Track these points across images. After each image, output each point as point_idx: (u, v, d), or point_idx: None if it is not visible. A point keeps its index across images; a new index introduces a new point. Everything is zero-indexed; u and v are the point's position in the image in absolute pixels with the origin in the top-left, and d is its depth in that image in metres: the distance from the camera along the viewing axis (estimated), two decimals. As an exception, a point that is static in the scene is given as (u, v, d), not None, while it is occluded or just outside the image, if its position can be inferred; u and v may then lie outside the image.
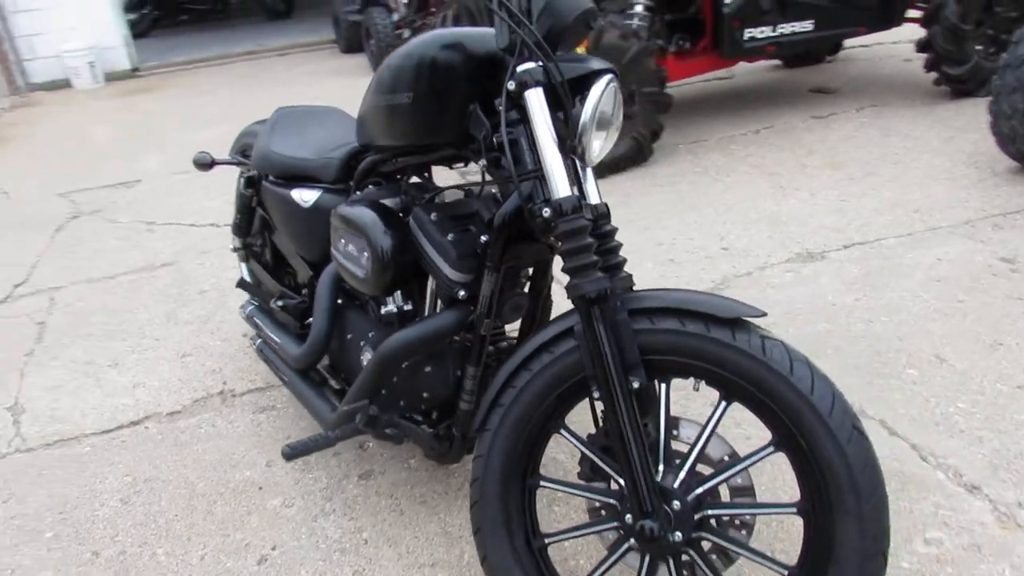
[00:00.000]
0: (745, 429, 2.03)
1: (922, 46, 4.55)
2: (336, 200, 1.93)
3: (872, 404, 2.13)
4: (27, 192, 4.80)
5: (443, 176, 1.89)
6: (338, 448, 2.16)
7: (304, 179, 2.06)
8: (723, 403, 1.37)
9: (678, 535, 1.35)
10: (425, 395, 1.72)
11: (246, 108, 6.20)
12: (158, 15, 10.60)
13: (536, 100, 1.38)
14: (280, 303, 2.22)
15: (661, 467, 1.41)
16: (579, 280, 1.35)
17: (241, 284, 2.38)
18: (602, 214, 1.51)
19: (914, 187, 3.48)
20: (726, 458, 1.41)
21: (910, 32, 4.82)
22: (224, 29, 10.34)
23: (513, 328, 1.86)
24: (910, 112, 4.51)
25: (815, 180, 3.70)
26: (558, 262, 1.47)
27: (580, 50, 3.13)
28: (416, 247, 1.66)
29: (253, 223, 2.42)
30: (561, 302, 1.53)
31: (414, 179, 1.89)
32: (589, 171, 1.52)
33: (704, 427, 1.39)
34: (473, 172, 2.33)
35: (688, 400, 2.15)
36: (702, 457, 1.40)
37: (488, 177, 1.60)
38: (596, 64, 1.43)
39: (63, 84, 7.76)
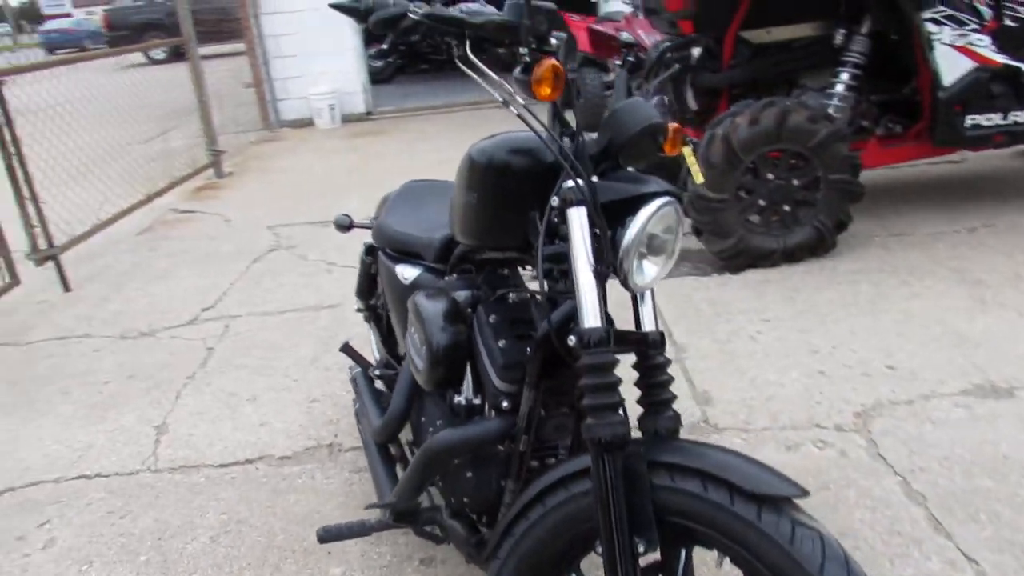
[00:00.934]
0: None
1: None
2: (433, 281, 1.93)
3: (1016, 597, 1.75)
4: (245, 221, 5.35)
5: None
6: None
7: (411, 255, 2.09)
8: None
9: None
10: (466, 500, 1.66)
11: (457, 154, 6.51)
12: (402, 63, 11.52)
13: (576, 219, 1.29)
14: (378, 372, 2.26)
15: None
16: (594, 420, 1.23)
17: (344, 348, 2.46)
18: (654, 343, 1.38)
19: None
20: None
21: None
22: (456, 79, 11.00)
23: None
24: None
25: (1027, 297, 3.18)
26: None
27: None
28: (474, 346, 1.61)
29: (374, 289, 2.50)
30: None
31: (503, 271, 1.84)
32: (648, 296, 1.41)
33: None
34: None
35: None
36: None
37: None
38: (650, 187, 1.32)
39: (307, 123, 8.64)
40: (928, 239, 3.92)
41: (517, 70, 1.26)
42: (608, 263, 1.28)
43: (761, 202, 3.65)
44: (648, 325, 1.40)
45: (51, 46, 23.58)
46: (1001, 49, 3.72)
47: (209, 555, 2.14)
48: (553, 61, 1.22)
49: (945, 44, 3.66)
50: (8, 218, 4.06)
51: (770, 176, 3.61)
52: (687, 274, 3.72)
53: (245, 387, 3.03)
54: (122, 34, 17.51)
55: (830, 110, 3.73)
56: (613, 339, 1.27)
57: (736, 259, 3.67)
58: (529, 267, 1.66)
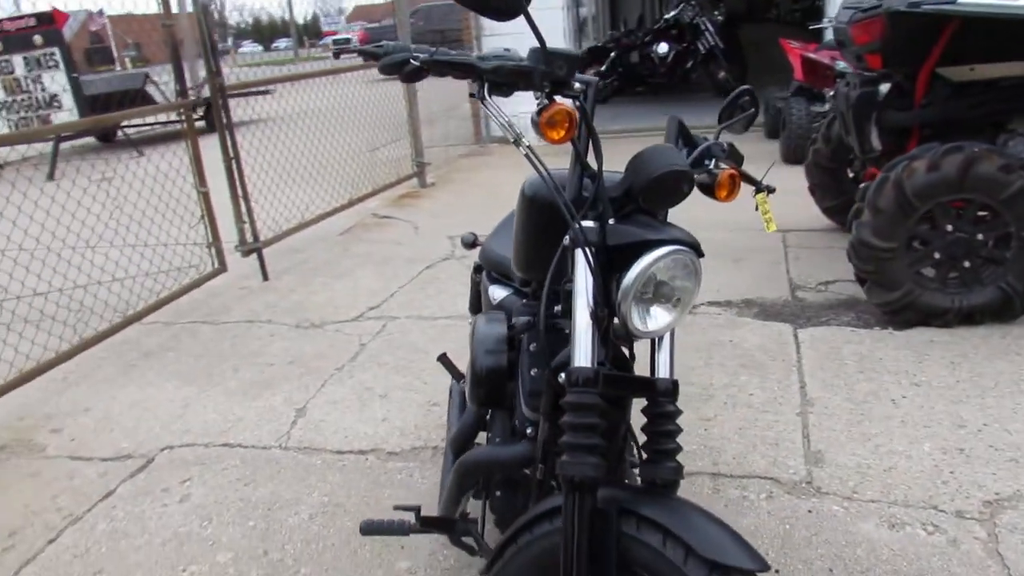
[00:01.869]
0: None
1: None
2: (513, 303, 2.01)
3: None
4: (431, 230, 5.72)
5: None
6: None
7: (505, 277, 2.18)
8: None
9: None
10: (495, 518, 1.71)
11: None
12: (619, 85, 11.61)
13: (580, 260, 1.31)
14: (460, 385, 2.37)
15: None
16: (569, 459, 1.25)
17: (440, 358, 2.58)
18: (665, 391, 1.37)
19: None
20: None
21: None
22: (670, 103, 10.91)
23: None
24: None
25: None
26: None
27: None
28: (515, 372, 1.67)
29: (480, 306, 2.61)
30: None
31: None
32: (666, 343, 1.40)
33: None
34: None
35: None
36: None
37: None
38: (662, 234, 1.31)
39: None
40: None
41: (533, 112, 1.31)
42: (607, 306, 1.29)
43: (937, 255, 3.32)
44: (662, 372, 1.39)
45: (337, 52, 26.78)
46: None
47: (303, 530, 2.36)
48: (562, 106, 1.26)
49: None
50: (226, 213, 4.69)
51: (949, 227, 3.28)
52: (846, 324, 3.48)
53: (381, 383, 3.28)
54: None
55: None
56: (603, 381, 1.28)
57: (902, 314, 3.36)
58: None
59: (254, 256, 4.79)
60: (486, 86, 1.30)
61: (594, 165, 1.37)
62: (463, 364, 2.64)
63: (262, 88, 9.68)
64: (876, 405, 2.77)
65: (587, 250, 1.31)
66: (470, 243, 2.67)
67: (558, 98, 1.32)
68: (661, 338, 1.40)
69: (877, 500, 2.27)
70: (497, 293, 2.13)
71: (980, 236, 3.27)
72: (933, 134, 3.67)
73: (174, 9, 4.53)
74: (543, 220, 1.50)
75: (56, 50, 8.43)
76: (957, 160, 3.15)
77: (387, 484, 2.57)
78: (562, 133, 1.28)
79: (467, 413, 2.04)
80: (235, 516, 2.46)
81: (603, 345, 1.40)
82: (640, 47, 11.45)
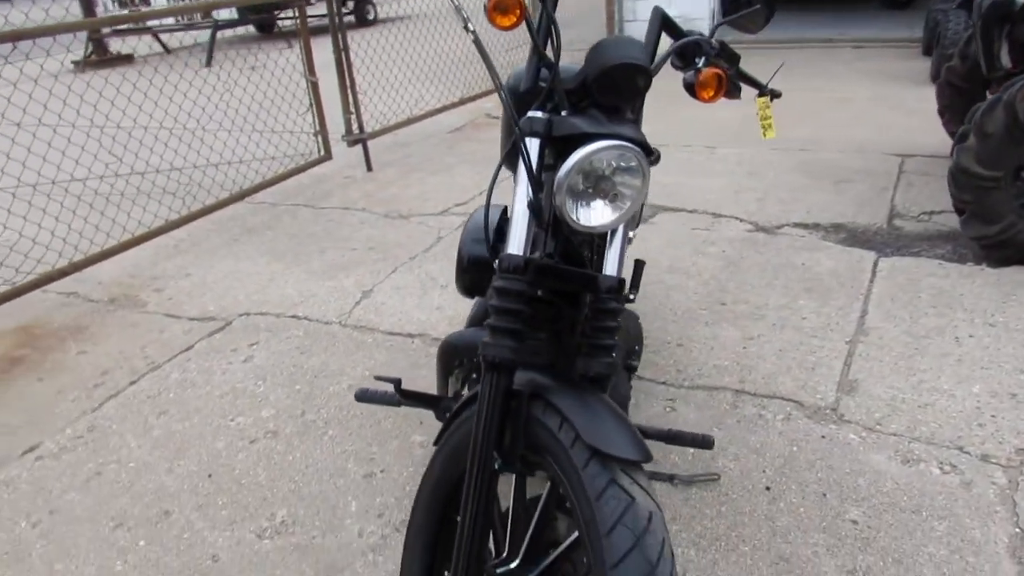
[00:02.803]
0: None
1: None
2: None
3: None
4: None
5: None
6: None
7: None
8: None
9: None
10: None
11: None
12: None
13: (524, 150, 1.33)
14: None
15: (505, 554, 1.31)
16: (490, 340, 1.30)
17: None
18: (609, 288, 1.39)
19: None
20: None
21: None
22: (827, 13, 10.12)
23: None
24: None
25: None
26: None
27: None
28: None
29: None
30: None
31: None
32: (616, 238, 1.40)
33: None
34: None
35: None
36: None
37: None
38: (604, 127, 1.29)
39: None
40: None
41: (484, -1, 1.30)
42: (542, 197, 1.31)
43: (1050, 189, 3.01)
44: (609, 269, 1.40)
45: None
46: None
47: (340, 398, 2.56)
48: (505, -11, 1.25)
49: None
50: (335, 104, 4.88)
51: (1068, 159, 2.95)
52: (937, 257, 3.24)
53: (445, 274, 3.41)
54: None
55: None
56: (534, 270, 1.31)
57: (999, 250, 3.09)
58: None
59: (360, 147, 4.99)
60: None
61: (553, 58, 1.36)
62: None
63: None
64: (937, 341, 2.61)
65: (526, 141, 1.32)
66: None
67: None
68: (612, 236, 1.40)
69: (899, 434, 2.18)
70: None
71: (1104, 171, 2.92)
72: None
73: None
74: (521, 110, 1.51)
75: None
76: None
77: (424, 366, 2.72)
78: (512, 20, 1.27)
79: (474, 305, 2.12)
80: (286, 379, 2.70)
81: (553, 238, 1.42)
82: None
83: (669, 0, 8.54)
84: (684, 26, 1.62)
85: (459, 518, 1.28)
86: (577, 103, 1.37)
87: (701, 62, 1.50)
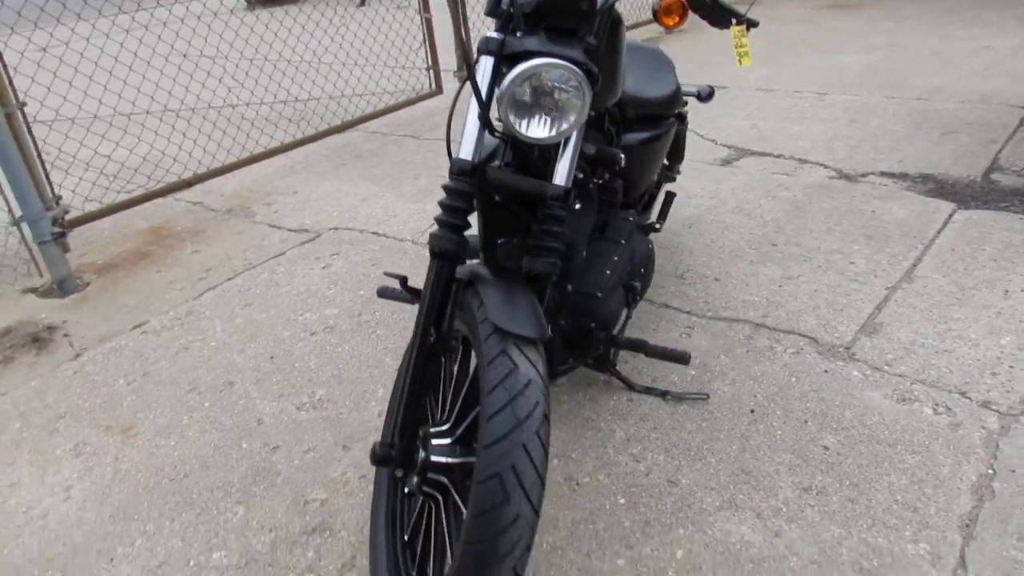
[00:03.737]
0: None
1: None
2: None
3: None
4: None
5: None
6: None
7: None
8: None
9: (414, 480, 1.50)
10: None
11: (902, 57, 5.86)
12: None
13: (478, 67, 1.50)
14: None
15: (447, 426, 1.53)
16: (436, 232, 1.51)
17: None
18: (557, 196, 1.55)
19: None
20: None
21: None
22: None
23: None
24: None
25: None
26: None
27: None
28: None
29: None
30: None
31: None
32: (567, 152, 1.56)
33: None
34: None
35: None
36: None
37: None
38: (545, 46, 1.44)
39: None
40: None
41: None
42: (488, 109, 1.48)
43: None
44: (557, 179, 1.56)
45: None
46: None
47: (394, 306, 2.85)
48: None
49: None
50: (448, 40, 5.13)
51: None
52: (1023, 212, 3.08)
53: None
54: None
55: None
56: (481, 175, 1.49)
57: (1090, 208, 2.90)
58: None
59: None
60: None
61: None
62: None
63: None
64: (983, 293, 2.54)
65: (481, 59, 1.49)
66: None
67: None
68: (563, 148, 1.55)
69: (904, 375, 2.19)
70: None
71: None
72: None
73: None
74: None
75: None
76: None
77: (421, 263, 2.98)
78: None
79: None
80: (353, 285, 3.02)
81: (512, 149, 1.59)
82: None
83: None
84: None
85: (398, 383, 1.51)
86: (535, 25, 1.52)
87: None
